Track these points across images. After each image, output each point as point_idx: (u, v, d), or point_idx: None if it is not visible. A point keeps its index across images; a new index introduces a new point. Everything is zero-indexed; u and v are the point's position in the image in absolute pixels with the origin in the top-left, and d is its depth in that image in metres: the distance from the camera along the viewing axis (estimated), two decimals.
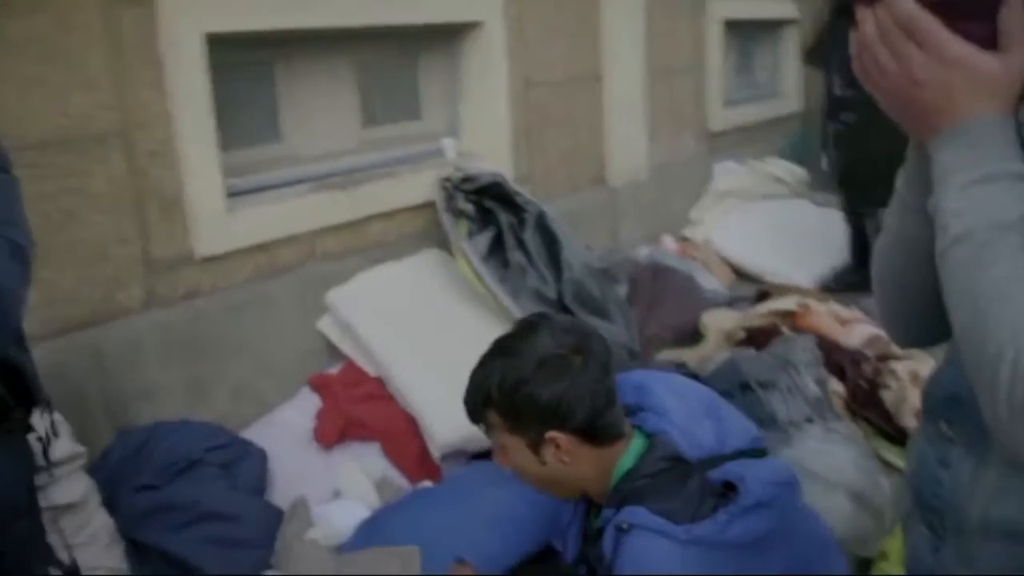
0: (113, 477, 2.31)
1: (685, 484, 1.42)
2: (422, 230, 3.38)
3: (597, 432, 1.49)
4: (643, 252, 4.06)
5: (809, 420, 2.69)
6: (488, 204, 3.23)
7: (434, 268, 3.18)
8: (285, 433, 2.75)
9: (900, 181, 1.00)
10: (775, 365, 2.86)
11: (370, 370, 2.87)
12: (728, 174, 4.85)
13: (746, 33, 5.34)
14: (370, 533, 2.21)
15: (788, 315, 3.35)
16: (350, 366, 2.93)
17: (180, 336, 2.71)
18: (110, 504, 2.21)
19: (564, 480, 1.53)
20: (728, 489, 1.42)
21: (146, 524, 2.22)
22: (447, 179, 3.20)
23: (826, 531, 1.61)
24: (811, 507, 1.62)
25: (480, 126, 3.70)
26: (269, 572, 2.17)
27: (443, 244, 3.30)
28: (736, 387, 2.75)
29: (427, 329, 2.91)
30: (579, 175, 4.11)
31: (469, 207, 3.11)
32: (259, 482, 2.43)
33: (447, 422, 2.67)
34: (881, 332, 3.42)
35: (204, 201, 2.71)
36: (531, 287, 3.08)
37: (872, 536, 2.53)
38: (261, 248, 2.91)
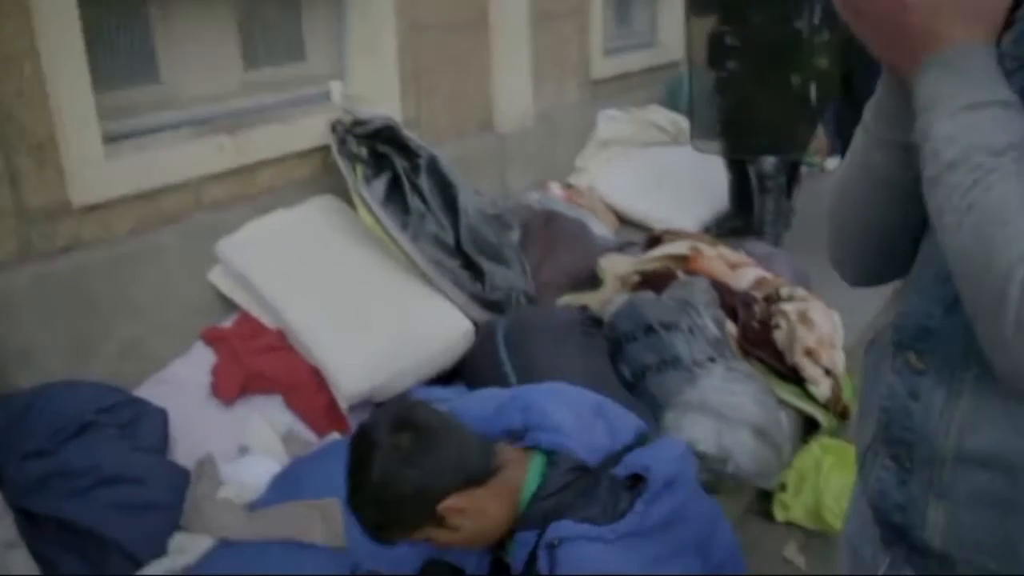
0: None
1: (596, 489, 1.47)
2: (312, 177, 3.25)
3: (480, 475, 1.47)
4: (533, 198, 4.05)
5: (711, 359, 2.76)
6: (381, 149, 3.13)
7: (328, 214, 3.07)
8: (180, 391, 2.61)
9: (868, 115, 1.00)
10: (675, 307, 2.91)
11: (267, 321, 2.76)
12: (611, 121, 4.87)
13: None
14: (284, 487, 2.14)
15: (681, 259, 3.41)
16: (245, 318, 2.81)
17: (60, 291, 2.52)
18: None
19: (486, 530, 1.50)
20: (635, 481, 1.48)
21: (39, 492, 2.06)
22: (338, 122, 3.08)
23: (715, 507, 1.68)
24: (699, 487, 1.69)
25: (367, 69, 3.57)
26: (181, 535, 2.06)
27: (334, 190, 3.18)
28: (640, 329, 2.79)
29: (325, 277, 2.81)
30: (466, 120, 4.05)
31: (363, 151, 3.01)
32: (160, 442, 2.30)
33: (353, 372, 2.61)
34: (768, 275, 3.55)
35: (79, 146, 2.51)
36: (430, 232, 3.02)
37: (773, 470, 2.63)
38: (143, 197, 2.73)
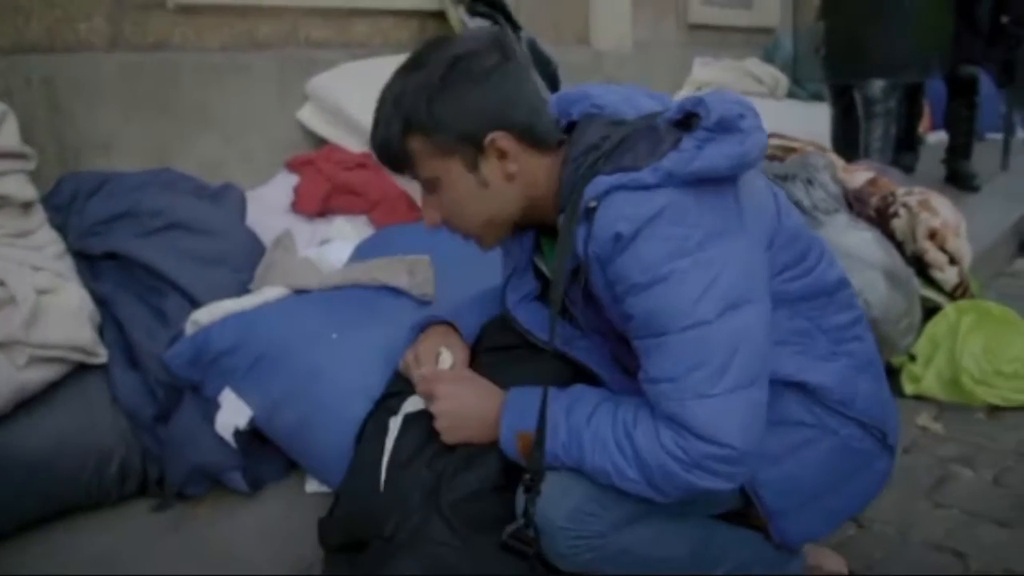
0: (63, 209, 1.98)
1: (632, 136, 1.18)
2: (409, 40, 3.13)
3: (540, 134, 1.22)
4: None
5: (835, 210, 2.53)
6: (483, 9, 3.00)
7: None
8: (261, 207, 2.44)
9: None
10: (794, 168, 2.70)
11: (358, 149, 2.60)
12: (706, 67, 4.72)
13: None
14: (370, 248, 1.95)
15: (791, 151, 3.19)
16: (334, 148, 2.66)
17: (147, 88, 2.41)
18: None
19: (509, 203, 1.26)
20: (687, 121, 1.18)
21: (102, 234, 1.89)
22: None
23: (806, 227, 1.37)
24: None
25: None
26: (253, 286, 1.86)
27: None
28: None
29: None
30: (564, 28, 3.91)
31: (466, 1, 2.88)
32: (239, 212, 2.12)
33: None
34: (881, 175, 3.30)
35: None
36: None
37: (901, 319, 2.37)
38: (240, 14, 2.63)
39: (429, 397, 1.33)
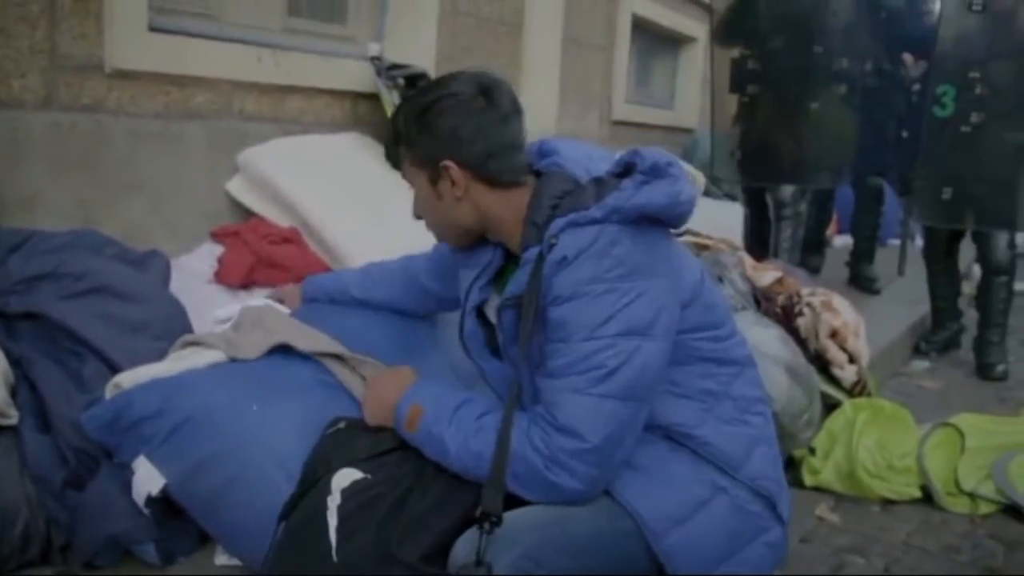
0: None
1: (583, 190, 1.43)
2: (342, 119, 3.21)
3: (492, 173, 1.47)
4: None
5: (742, 308, 2.65)
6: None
7: (356, 142, 3.00)
8: (183, 276, 2.44)
9: None
10: (706, 265, 2.82)
11: (283, 223, 2.64)
12: None
13: (648, 46, 5.53)
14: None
15: (704, 248, 3.34)
16: (260, 221, 2.68)
17: (77, 148, 2.41)
18: None
19: (460, 218, 1.51)
20: (626, 172, 1.42)
21: (23, 293, 1.86)
22: (377, 58, 3.06)
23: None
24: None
25: (405, 43, 3.58)
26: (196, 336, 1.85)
27: (364, 132, 3.15)
28: None
29: (347, 185, 2.72)
30: None
31: (400, 82, 2.97)
32: (165, 280, 2.12)
33: None
34: (788, 275, 3.47)
35: (126, 6, 2.46)
36: None
37: (802, 414, 2.48)
38: (177, 82, 2.66)
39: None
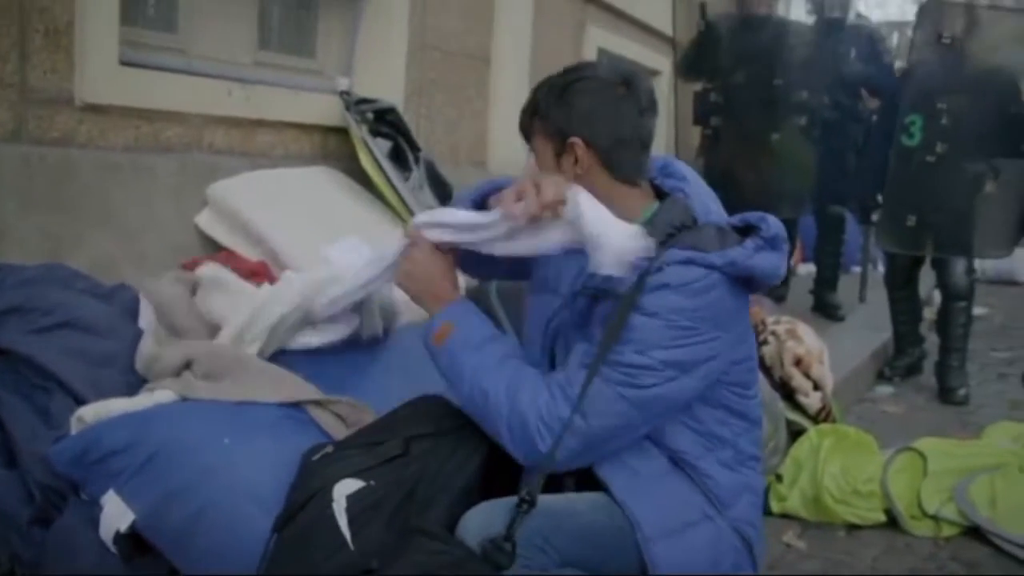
0: None
1: (703, 231, 1.49)
2: (311, 153, 3.22)
3: (615, 161, 1.54)
4: None
5: None
6: (385, 129, 3.14)
7: (326, 176, 3.02)
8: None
9: None
10: None
11: (252, 256, 2.64)
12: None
13: None
14: None
15: None
16: (229, 254, 2.69)
17: (45, 181, 2.41)
18: None
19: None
20: (745, 230, 1.50)
21: None
22: (346, 92, 3.09)
23: None
24: None
25: (374, 77, 3.61)
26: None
27: (333, 166, 3.17)
28: None
29: (317, 219, 2.71)
30: (461, 152, 4.09)
31: (369, 116, 3.01)
32: (133, 314, 2.11)
33: None
34: (753, 304, 3.53)
35: (96, 40, 2.47)
36: (424, 203, 2.98)
37: (767, 441, 2.52)
38: (147, 116, 2.67)
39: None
